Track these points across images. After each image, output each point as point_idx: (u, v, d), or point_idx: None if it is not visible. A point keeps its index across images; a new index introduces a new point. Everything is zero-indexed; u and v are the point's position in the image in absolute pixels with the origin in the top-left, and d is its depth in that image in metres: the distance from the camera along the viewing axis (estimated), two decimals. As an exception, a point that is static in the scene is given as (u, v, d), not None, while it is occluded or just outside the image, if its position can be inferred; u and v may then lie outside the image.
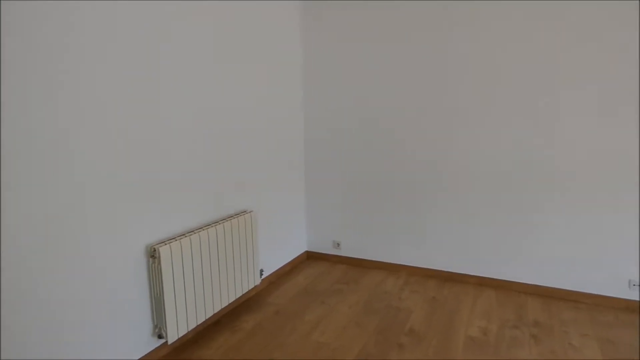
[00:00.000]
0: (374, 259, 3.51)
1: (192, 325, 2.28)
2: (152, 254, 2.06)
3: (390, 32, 3.15)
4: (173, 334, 2.14)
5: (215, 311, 2.48)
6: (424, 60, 3.08)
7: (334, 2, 3.29)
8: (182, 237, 2.23)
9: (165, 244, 2.10)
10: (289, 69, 3.31)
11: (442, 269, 3.26)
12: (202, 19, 2.37)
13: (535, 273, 2.96)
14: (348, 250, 3.59)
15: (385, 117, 3.27)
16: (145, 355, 2.13)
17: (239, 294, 2.68)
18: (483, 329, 2.48)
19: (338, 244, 3.62)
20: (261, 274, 3.00)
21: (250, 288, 2.81)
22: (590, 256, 2.79)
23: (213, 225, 2.46)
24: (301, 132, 3.58)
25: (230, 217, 2.66)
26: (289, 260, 3.51)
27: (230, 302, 2.61)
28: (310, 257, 3.77)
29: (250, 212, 2.77)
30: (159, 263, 2.04)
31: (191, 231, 2.35)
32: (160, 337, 2.17)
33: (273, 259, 3.28)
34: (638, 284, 2.70)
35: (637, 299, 2.72)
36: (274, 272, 3.29)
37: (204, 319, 2.37)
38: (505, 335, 2.41)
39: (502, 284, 3.07)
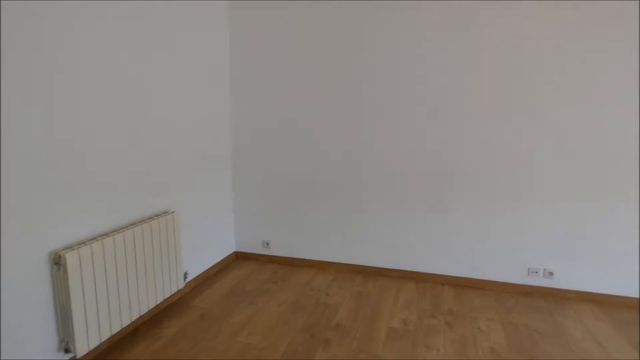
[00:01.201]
0: (303, 257, 3.54)
1: (106, 336, 2.12)
2: (57, 261, 1.88)
3: (311, 33, 3.19)
4: (82, 347, 1.97)
5: (134, 319, 2.33)
6: (346, 61, 3.16)
7: (259, 2, 3.27)
8: (93, 241, 2.06)
9: (74, 250, 1.92)
10: (215, 68, 3.22)
11: (368, 265, 3.39)
12: (121, 16, 2.20)
13: (450, 265, 3.20)
14: (278, 250, 3.59)
15: (308, 116, 3.31)
16: (50, 372, 1.94)
17: (160, 300, 2.55)
18: (404, 320, 2.62)
19: (267, 244, 3.59)
20: (185, 277, 2.88)
21: (173, 292, 2.69)
22: (496, 248, 3.08)
23: (130, 227, 2.31)
24: (228, 132, 3.50)
25: (150, 218, 2.51)
26: (217, 261, 3.42)
27: (150, 308, 2.47)
28: (239, 258, 3.70)
29: (172, 212, 2.65)
30: (65, 271, 1.86)
31: (104, 234, 2.18)
32: (67, 351, 1.98)
33: (199, 261, 3.17)
34: (536, 271, 3.03)
35: (535, 284, 3.05)
36: (200, 275, 3.18)
37: (119, 329, 2.22)
38: (423, 324, 2.57)
39: (422, 276, 3.27)
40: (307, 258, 3.53)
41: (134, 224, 2.37)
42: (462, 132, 3.01)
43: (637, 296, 2.87)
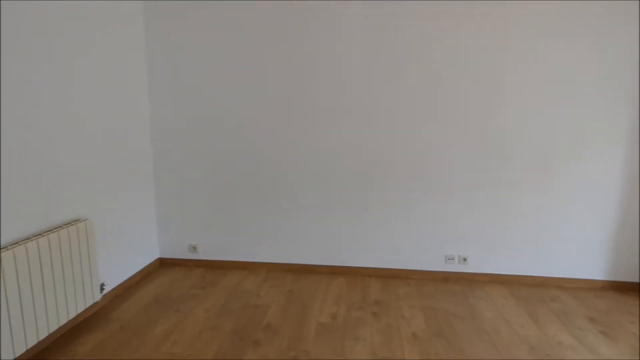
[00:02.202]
0: (233, 260, 3.47)
1: (6, 361, 1.90)
2: (-61, 282, 1.64)
3: (236, 31, 3.14)
4: (-24, 376, 1.75)
5: (41, 339, 2.12)
6: (272, 60, 3.16)
7: (177, 1, 3.13)
8: (-14, 256, 1.83)
9: (-40, 267, 1.70)
10: (130, 67, 3.02)
11: (300, 263, 3.42)
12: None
13: (377, 258, 3.34)
14: (205, 253, 3.48)
15: (234, 116, 3.25)
16: None
17: (73, 315, 2.34)
18: (333, 314, 2.69)
19: (194, 248, 3.47)
20: (102, 289, 2.68)
21: (88, 306, 2.49)
22: (417, 239, 3.28)
23: (34, 238, 2.09)
24: (147, 133, 3.32)
25: (59, 227, 2.30)
26: (139, 269, 3.22)
27: (61, 325, 2.27)
28: (163, 264, 3.52)
29: (84, 220, 2.44)
30: (-50, 292, 1.64)
31: (3, 248, 1.95)
32: (-43, 382, 1.75)
33: (119, 270, 2.96)
34: (452, 258, 3.28)
35: (452, 270, 3.30)
36: (120, 285, 2.98)
37: (24, 350, 2.00)
38: (351, 317, 2.66)
39: (351, 271, 3.38)
40: (237, 260, 3.47)
41: (39, 235, 2.15)
42: (382, 130, 3.16)
43: (536, 274, 3.23)
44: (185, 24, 3.17)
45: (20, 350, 1.98)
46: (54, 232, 2.21)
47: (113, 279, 2.90)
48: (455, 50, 3.00)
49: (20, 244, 2.00)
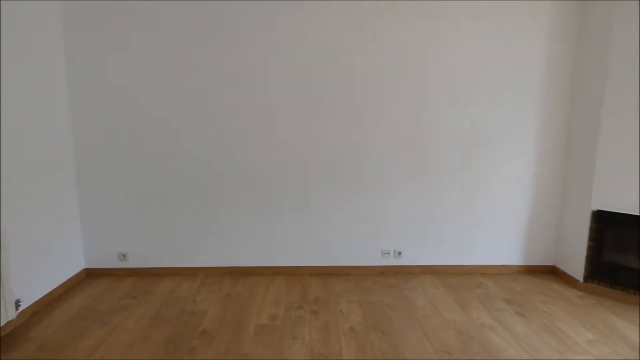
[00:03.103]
0: (167, 266, 3.33)
1: None
2: None
3: (161, 32, 3.02)
4: None
5: (-60, 367, 1.89)
6: (200, 60, 3.08)
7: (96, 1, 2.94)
8: None
9: None
10: (47, 69, 2.78)
11: (238, 265, 3.37)
12: None
13: (316, 256, 3.39)
14: (137, 261, 3.30)
15: (163, 118, 3.13)
16: None
17: (-20, 337, 2.11)
18: (272, 315, 2.68)
19: (124, 256, 3.28)
20: (18, 306, 2.45)
21: (2, 325, 2.26)
22: (355, 236, 3.37)
23: None
24: (69, 137, 3.08)
25: (-41, 241, 2.06)
26: (61, 282, 2.98)
27: (-35, 350, 2.03)
28: (90, 275, 3.29)
29: (-8, 231, 2.21)
30: None
31: None
32: None
33: (38, 284, 2.72)
34: (388, 252, 3.42)
35: (388, 264, 3.44)
36: (39, 300, 2.74)
37: None
38: (290, 317, 2.67)
39: (291, 271, 3.39)
40: (171, 266, 3.34)
41: None
42: (316, 131, 3.21)
43: (463, 264, 3.47)
44: (107, 24, 2.98)
45: None
46: (-47, 246, 1.98)
47: (31, 294, 2.65)
48: (379, 50, 3.13)
49: None
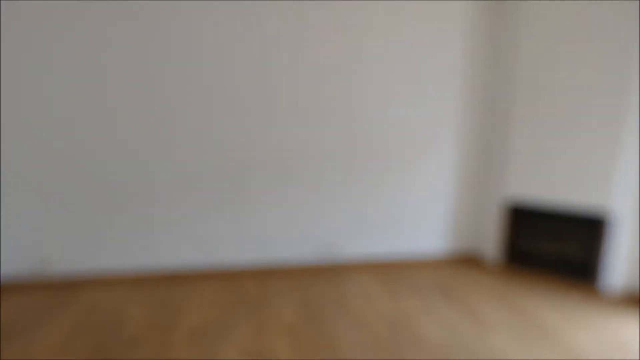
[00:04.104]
0: (92, 273, 3.12)
1: None
2: None
3: (83, 29, 2.82)
4: None
5: None
6: (127, 57, 2.92)
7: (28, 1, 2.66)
8: None
9: None
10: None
11: (171, 268, 3.25)
12: None
13: (253, 256, 3.37)
14: (58, 269, 3.05)
15: (88, 112, 2.92)
16: None
17: None
18: (206, 318, 2.62)
19: (44, 264, 3.01)
20: None
21: None
22: (292, 233, 3.40)
23: None
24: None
25: None
26: (-36, 298, 2.67)
27: None
28: (5, 284, 2.98)
29: None
30: None
31: None
32: None
33: None
34: (325, 248, 3.49)
35: (325, 259, 3.51)
36: (-64, 320, 2.43)
37: None
38: (225, 318, 2.63)
39: (226, 272, 3.33)
40: (97, 273, 3.13)
41: None
42: (250, 129, 3.18)
43: (396, 255, 3.64)
44: (27, 23, 2.71)
45: None
46: None
47: None
48: (316, 50, 3.17)
49: None
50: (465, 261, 3.76)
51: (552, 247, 3.21)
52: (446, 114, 3.49)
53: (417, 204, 3.59)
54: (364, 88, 3.30)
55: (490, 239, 3.56)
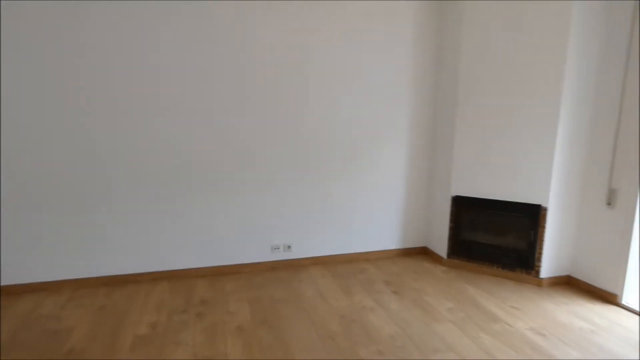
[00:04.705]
0: (26, 282, 2.89)
1: None
2: None
3: (22, 25, 2.60)
4: None
5: None
6: (70, 50, 2.73)
7: None
8: None
9: None
10: None
11: (115, 274, 3.08)
12: None
13: (203, 257, 3.27)
14: (-17, 280, 2.80)
15: (24, 110, 2.70)
16: None
17: None
18: (152, 324, 2.51)
19: (-36, 275, 2.75)
20: None
21: None
22: (244, 232, 3.34)
23: None
24: None
25: None
26: None
27: None
28: None
29: None
30: None
31: None
32: None
33: None
34: (278, 247, 3.46)
35: (278, 259, 3.48)
36: None
37: None
38: (173, 323, 2.53)
39: (175, 274, 3.22)
40: (32, 282, 2.90)
41: None
42: (198, 129, 3.08)
43: (348, 252, 3.68)
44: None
45: None
46: None
47: None
48: (266, 50, 3.13)
49: None
50: (416, 255, 3.88)
51: (494, 239, 3.38)
52: (395, 113, 3.57)
53: (368, 201, 3.65)
54: (314, 88, 3.31)
55: (438, 232, 3.70)
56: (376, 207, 3.69)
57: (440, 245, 3.66)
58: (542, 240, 3.14)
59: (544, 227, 3.12)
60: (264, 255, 3.44)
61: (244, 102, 3.15)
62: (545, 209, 3.09)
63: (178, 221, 3.15)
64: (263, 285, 3.12)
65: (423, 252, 3.92)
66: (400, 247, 3.85)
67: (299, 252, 3.54)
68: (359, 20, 3.32)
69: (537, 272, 3.19)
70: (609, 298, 2.91)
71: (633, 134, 2.72)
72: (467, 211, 3.44)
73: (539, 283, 3.19)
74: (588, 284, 3.08)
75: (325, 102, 3.36)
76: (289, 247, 3.50)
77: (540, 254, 3.16)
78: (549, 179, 3.04)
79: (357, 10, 3.30)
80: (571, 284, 3.22)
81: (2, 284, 2.84)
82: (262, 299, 2.88)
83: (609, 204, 2.90)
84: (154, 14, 2.85)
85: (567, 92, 2.93)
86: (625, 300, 2.82)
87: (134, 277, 3.12)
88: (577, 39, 2.88)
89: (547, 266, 3.18)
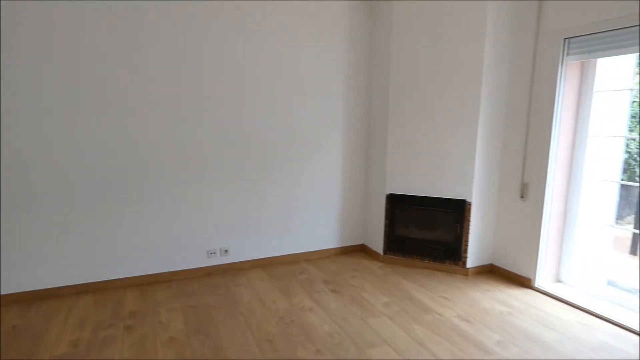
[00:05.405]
0: None
1: None
2: None
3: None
4: None
5: None
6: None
7: None
8: None
9: None
10: None
11: (30, 289, 2.80)
12: None
13: (132, 266, 3.08)
14: None
15: None
16: None
17: None
18: (74, 342, 2.32)
19: None
20: None
21: None
22: (176, 239, 3.19)
23: None
24: None
25: None
26: None
27: None
28: None
29: None
30: None
31: None
32: None
33: None
34: (214, 251, 3.35)
35: (214, 264, 3.38)
36: None
37: None
38: (98, 339, 2.36)
39: (101, 286, 3.00)
40: None
41: None
42: (126, 129, 2.90)
43: (288, 253, 3.67)
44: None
45: None
46: None
47: None
48: (197, 52, 3.03)
49: None
50: (355, 253, 3.97)
51: (426, 233, 3.56)
52: (330, 114, 3.63)
53: (306, 202, 3.67)
54: (249, 89, 3.25)
55: (374, 229, 3.82)
56: (315, 208, 3.72)
57: (377, 242, 3.78)
58: (467, 233, 3.36)
59: (469, 221, 3.34)
60: (200, 260, 3.32)
61: (175, 102, 3.02)
62: (469, 204, 3.31)
63: (104, 228, 2.94)
64: (198, 292, 3.01)
65: (361, 250, 4.02)
66: (340, 246, 3.92)
67: (236, 256, 3.46)
68: (293, 20, 3.33)
69: (464, 263, 3.41)
70: (524, 282, 3.19)
71: (540, 133, 3.00)
72: (401, 208, 3.59)
73: (465, 273, 3.41)
74: (507, 271, 3.35)
75: (260, 103, 3.32)
76: (226, 251, 3.41)
77: (467, 245, 3.38)
78: (472, 176, 3.27)
79: (290, 10, 3.30)
80: (493, 272, 3.48)
81: None
82: (196, 307, 2.78)
83: (522, 197, 3.18)
84: (83, 15, 2.64)
85: (484, 96, 3.17)
86: (538, 284, 3.10)
87: (54, 292, 2.86)
88: (490, 47, 3.12)
89: (473, 257, 3.41)
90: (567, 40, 2.81)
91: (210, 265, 3.36)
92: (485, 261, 3.49)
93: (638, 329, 2.48)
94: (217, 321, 2.59)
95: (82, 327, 2.48)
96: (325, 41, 3.49)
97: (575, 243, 3.04)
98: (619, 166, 2.99)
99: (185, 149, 3.11)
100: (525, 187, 3.15)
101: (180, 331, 2.46)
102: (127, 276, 3.07)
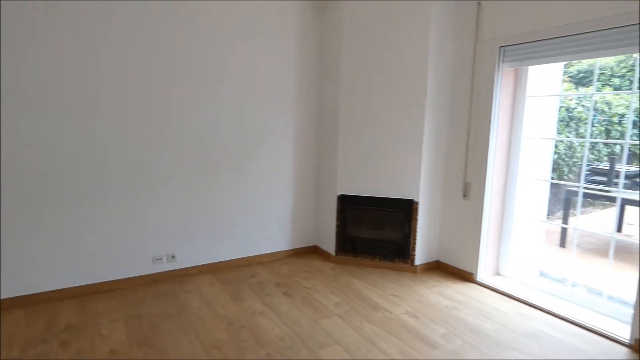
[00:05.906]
0: None
1: None
2: None
3: None
4: None
5: None
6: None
7: None
8: None
9: None
10: None
11: (-53, 308, 2.53)
12: None
13: (69, 276, 2.87)
14: None
15: None
16: None
17: None
18: (-1, 362, 2.12)
19: None
20: None
21: None
22: (118, 246, 3.03)
23: None
24: None
25: None
26: None
27: None
28: None
29: None
30: None
31: None
32: None
33: None
34: (159, 258, 3.21)
35: (161, 271, 3.24)
36: None
37: None
38: (28, 357, 2.17)
39: (34, 299, 2.77)
40: None
41: None
42: (62, 132, 2.71)
43: (239, 257, 3.60)
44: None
45: None
46: None
47: None
48: (144, 50, 2.89)
49: None
50: (307, 254, 3.97)
51: (376, 233, 3.64)
52: (280, 115, 3.61)
53: (256, 204, 3.62)
54: (195, 89, 3.16)
55: (326, 230, 3.84)
56: (265, 210, 3.68)
57: (329, 243, 3.81)
58: (415, 232, 3.48)
59: (416, 220, 3.46)
60: (144, 267, 3.17)
61: (112, 102, 2.85)
62: (417, 203, 3.43)
63: (36, 234, 2.72)
64: (142, 301, 2.87)
65: (313, 251, 4.03)
66: (292, 248, 3.90)
67: (184, 261, 3.34)
68: (243, 20, 3.27)
69: (413, 260, 3.52)
70: (467, 277, 3.35)
71: (480, 136, 3.17)
72: (352, 209, 3.64)
73: (414, 270, 3.53)
74: (452, 266, 3.51)
75: (206, 105, 3.23)
76: (173, 256, 3.28)
77: (414, 243, 3.49)
78: (419, 177, 3.39)
79: (240, 10, 3.25)
80: (440, 268, 3.63)
81: None
82: (141, 317, 2.65)
83: (464, 196, 3.34)
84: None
85: (429, 100, 3.30)
86: (479, 277, 3.28)
87: (-25, 309, 2.60)
88: (434, 54, 3.25)
89: (420, 254, 3.54)
90: (502, 48, 2.99)
91: (156, 272, 3.22)
92: (432, 258, 3.63)
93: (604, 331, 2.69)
94: (163, 330, 2.48)
95: (10, 345, 2.28)
96: (274, 41, 3.47)
97: (512, 238, 3.25)
98: (549, 166, 3.23)
99: (123, 151, 2.96)
100: (468, 187, 3.31)
101: (122, 343, 2.32)
102: (64, 287, 2.86)
